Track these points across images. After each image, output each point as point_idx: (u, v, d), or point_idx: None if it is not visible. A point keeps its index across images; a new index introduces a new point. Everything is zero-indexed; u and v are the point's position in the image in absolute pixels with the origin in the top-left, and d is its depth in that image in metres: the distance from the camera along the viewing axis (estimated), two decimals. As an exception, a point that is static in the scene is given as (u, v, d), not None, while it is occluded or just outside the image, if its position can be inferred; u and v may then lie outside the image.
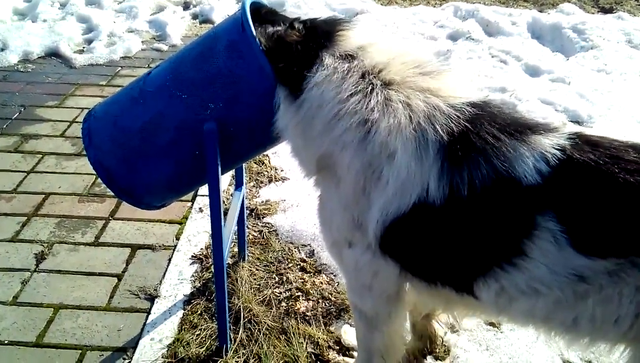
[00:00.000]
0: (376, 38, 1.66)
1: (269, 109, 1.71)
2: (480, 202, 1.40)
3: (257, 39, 1.65)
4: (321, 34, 1.63)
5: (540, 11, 6.26)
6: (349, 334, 2.27)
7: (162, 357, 2.18)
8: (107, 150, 1.87)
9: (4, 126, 3.79)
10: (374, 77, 1.55)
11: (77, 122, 3.83)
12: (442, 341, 2.24)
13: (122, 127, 1.85)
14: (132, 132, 1.84)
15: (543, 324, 1.50)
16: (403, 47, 1.65)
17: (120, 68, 4.76)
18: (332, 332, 2.32)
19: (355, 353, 2.17)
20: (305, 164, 1.75)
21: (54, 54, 4.97)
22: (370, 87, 1.53)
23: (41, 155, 3.47)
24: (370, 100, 1.51)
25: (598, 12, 6.47)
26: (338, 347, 2.26)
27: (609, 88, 4.60)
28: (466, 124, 1.45)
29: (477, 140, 1.43)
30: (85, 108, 3.92)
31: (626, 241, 1.31)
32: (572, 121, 4.09)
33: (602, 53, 5.20)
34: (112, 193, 1.95)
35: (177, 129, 1.80)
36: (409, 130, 1.47)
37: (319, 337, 2.27)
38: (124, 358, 2.19)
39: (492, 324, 2.38)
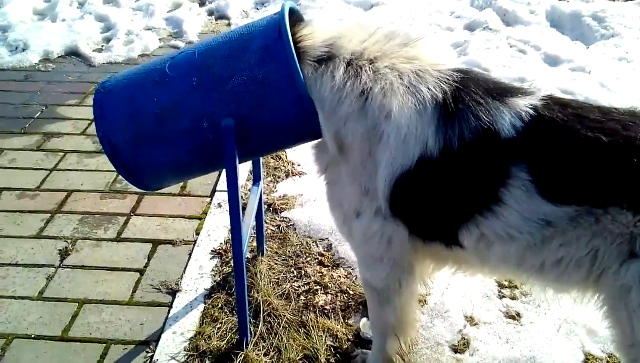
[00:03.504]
0: (331, 28, 1.73)
1: (292, 115, 1.73)
2: (467, 153, 1.53)
3: (292, 47, 1.66)
4: None
5: (559, -1, 6.16)
6: (367, 327, 2.28)
7: (184, 350, 2.22)
8: (118, 127, 1.85)
9: (27, 125, 3.86)
10: (358, 60, 1.65)
11: (97, 120, 3.89)
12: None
13: (138, 107, 1.83)
14: (147, 114, 1.82)
15: (516, 269, 1.65)
16: (363, 27, 1.74)
17: (138, 65, 4.82)
18: (350, 325, 2.33)
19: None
20: (325, 154, 1.78)
21: (73, 53, 5.06)
22: (358, 68, 1.64)
23: (63, 153, 3.54)
24: (362, 77, 1.62)
25: (619, -2, 6.33)
26: (357, 340, 2.27)
27: (631, 76, 4.51)
28: (456, 85, 1.58)
29: (467, 98, 1.56)
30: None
31: (584, 191, 1.46)
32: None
33: (623, 41, 5.09)
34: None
35: (194, 119, 1.79)
36: (401, 88, 1.59)
37: (338, 330, 2.29)
38: (147, 352, 2.23)
39: (512, 317, 2.38)
